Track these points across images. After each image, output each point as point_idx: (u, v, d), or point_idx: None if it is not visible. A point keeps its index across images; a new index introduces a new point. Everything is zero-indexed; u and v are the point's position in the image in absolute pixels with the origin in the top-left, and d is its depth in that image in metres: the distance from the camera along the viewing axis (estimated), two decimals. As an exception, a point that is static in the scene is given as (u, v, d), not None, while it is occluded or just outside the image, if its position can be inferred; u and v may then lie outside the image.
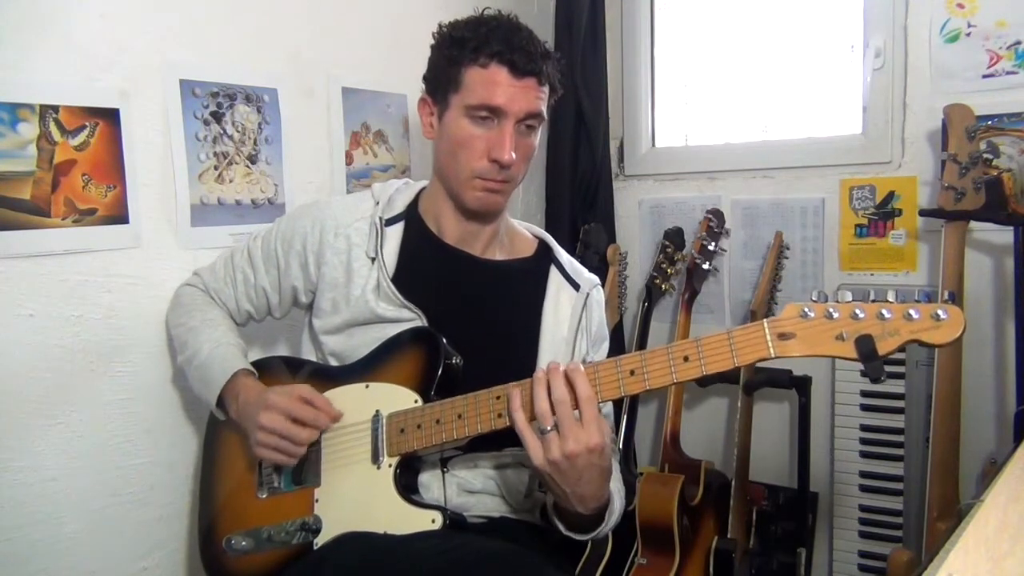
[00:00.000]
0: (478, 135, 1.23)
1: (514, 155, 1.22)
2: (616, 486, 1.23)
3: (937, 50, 1.99)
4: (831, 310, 0.97)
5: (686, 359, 1.03)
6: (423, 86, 1.32)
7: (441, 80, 1.27)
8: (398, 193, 1.38)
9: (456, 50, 1.23)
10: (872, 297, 0.97)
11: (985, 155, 1.79)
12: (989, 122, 1.89)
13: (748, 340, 1.00)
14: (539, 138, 1.30)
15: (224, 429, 1.33)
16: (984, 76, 1.93)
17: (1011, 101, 1.90)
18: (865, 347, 0.95)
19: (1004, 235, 1.89)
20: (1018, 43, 1.90)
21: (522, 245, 1.41)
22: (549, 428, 1.03)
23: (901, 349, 0.95)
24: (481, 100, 1.21)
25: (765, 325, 1.00)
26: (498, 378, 1.13)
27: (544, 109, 1.27)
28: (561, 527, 1.18)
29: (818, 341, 0.98)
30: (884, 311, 0.95)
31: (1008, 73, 1.91)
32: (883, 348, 0.94)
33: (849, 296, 0.98)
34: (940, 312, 0.93)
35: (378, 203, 1.34)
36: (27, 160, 1.28)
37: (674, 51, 2.49)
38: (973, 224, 1.84)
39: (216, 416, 1.33)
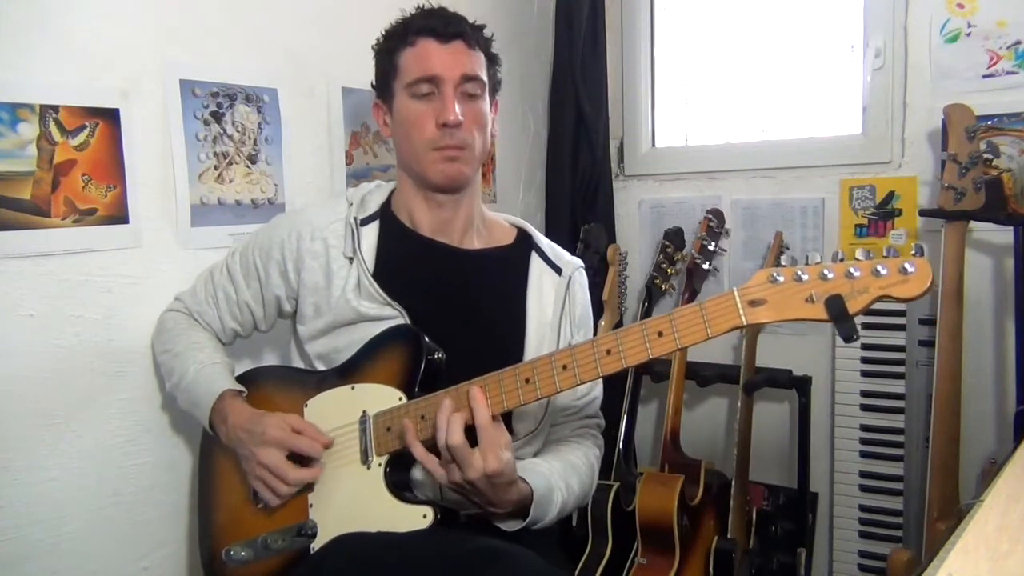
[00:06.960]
0: (424, 109, 1.27)
1: (462, 117, 1.25)
2: (555, 480, 1.22)
3: (937, 50, 1.99)
4: (800, 273, 0.97)
5: (660, 334, 1.03)
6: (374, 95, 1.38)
7: (384, 76, 1.33)
8: (371, 194, 1.40)
9: (389, 43, 1.32)
10: (840, 257, 0.96)
11: (985, 155, 1.79)
12: (989, 122, 1.89)
13: (720, 310, 1.00)
14: (489, 107, 1.33)
15: (217, 444, 1.33)
16: (984, 76, 1.93)
17: (1011, 101, 1.90)
18: (835, 307, 0.94)
19: (1004, 235, 1.90)
20: (1018, 43, 1.90)
21: (501, 234, 1.42)
22: (449, 460, 1.09)
23: (872, 306, 0.94)
24: (416, 75, 1.26)
25: (736, 293, 0.99)
26: (486, 368, 1.13)
27: (482, 73, 1.30)
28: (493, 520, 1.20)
29: (788, 305, 0.97)
30: (852, 270, 0.94)
31: (1008, 73, 1.91)
32: (853, 307, 0.94)
33: (818, 258, 0.97)
34: (907, 266, 0.92)
35: (352, 204, 1.36)
36: (27, 160, 1.28)
37: (674, 51, 2.49)
38: (973, 224, 1.84)
39: (209, 433, 1.34)
